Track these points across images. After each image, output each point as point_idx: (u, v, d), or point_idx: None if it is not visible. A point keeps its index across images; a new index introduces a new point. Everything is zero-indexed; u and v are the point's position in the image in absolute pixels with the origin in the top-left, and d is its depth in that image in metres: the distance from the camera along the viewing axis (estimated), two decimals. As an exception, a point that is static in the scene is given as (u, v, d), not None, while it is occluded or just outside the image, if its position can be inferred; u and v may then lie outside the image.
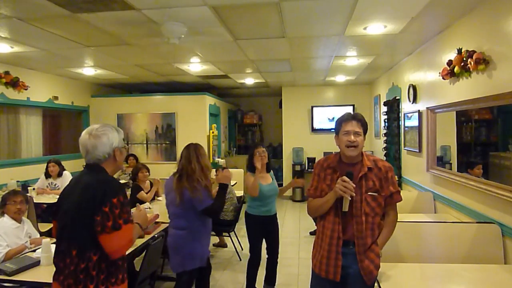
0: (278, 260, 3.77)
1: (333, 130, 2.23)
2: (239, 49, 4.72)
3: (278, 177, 10.47)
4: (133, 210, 2.06)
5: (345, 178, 2.01)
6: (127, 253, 2.01)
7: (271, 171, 3.79)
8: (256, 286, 3.71)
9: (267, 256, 3.74)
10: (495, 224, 2.81)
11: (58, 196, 1.98)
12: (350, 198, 2.01)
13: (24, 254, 2.85)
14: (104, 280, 1.73)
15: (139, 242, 3.10)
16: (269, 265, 3.76)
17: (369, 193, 2.07)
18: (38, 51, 4.68)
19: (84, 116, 7.61)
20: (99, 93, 7.88)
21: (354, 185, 2.01)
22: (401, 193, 2.19)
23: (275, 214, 3.73)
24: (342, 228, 2.08)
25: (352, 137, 2.07)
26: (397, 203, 2.18)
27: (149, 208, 4.15)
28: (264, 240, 3.69)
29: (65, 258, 1.74)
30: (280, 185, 6.91)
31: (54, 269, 1.82)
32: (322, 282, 2.15)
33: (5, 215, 3.13)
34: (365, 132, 2.13)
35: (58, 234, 1.84)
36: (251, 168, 3.58)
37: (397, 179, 5.51)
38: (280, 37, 4.20)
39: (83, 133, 1.86)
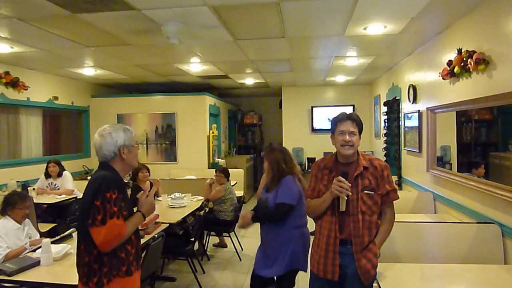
0: None
1: None
2: (239, 49, 4.72)
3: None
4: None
5: (340, 178, 2.04)
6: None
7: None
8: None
9: None
10: (495, 224, 2.80)
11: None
12: (346, 198, 2.04)
13: (23, 255, 2.85)
14: (107, 273, 1.80)
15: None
16: None
17: (365, 192, 2.08)
18: (38, 51, 4.68)
19: (84, 116, 7.61)
20: (99, 93, 7.87)
21: (350, 185, 2.03)
22: (398, 192, 2.19)
23: None
24: (339, 227, 2.10)
25: (347, 137, 2.10)
26: (396, 203, 2.19)
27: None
28: None
29: (78, 253, 1.87)
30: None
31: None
32: (321, 282, 2.16)
33: (7, 216, 3.13)
34: (360, 131, 2.16)
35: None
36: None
37: (396, 179, 5.55)
38: (280, 37, 4.20)
39: (96, 133, 1.97)
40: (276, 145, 3.07)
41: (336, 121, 2.18)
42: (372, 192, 2.09)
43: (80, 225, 1.85)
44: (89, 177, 6.73)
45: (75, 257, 1.91)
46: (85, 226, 1.79)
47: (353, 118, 2.15)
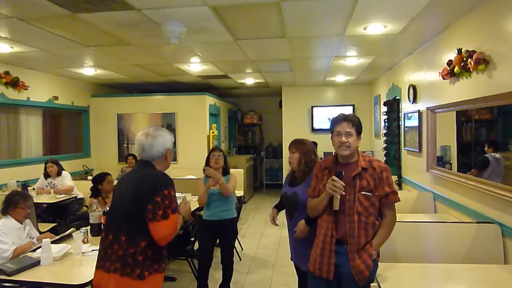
0: (276, 260, 3.71)
1: None
2: (239, 49, 4.72)
3: (278, 177, 10.48)
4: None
5: (334, 177, 2.08)
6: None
7: (229, 174, 3.66)
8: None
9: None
10: (495, 224, 2.80)
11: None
12: (339, 197, 2.07)
13: (30, 250, 2.85)
14: (149, 266, 1.90)
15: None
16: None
17: (362, 193, 2.10)
18: (38, 51, 4.68)
19: (84, 116, 7.61)
20: (99, 93, 7.87)
21: (344, 184, 2.06)
22: (399, 194, 2.19)
23: (226, 219, 3.62)
24: (335, 227, 2.12)
25: (343, 138, 2.13)
26: (397, 204, 2.19)
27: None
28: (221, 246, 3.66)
29: (114, 244, 1.91)
30: (279, 185, 6.91)
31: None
32: (317, 281, 2.19)
33: (9, 216, 3.13)
34: (358, 132, 2.18)
35: (107, 221, 2.03)
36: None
37: (396, 179, 5.55)
38: (280, 37, 4.20)
39: (139, 134, 2.09)
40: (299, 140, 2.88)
41: (333, 123, 2.22)
42: (370, 194, 2.10)
43: (124, 218, 1.92)
44: (89, 177, 6.76)
45: (106, 249, 1.93)
46: (142, 221, 1.87)
47: (350, 119, 2.17)
